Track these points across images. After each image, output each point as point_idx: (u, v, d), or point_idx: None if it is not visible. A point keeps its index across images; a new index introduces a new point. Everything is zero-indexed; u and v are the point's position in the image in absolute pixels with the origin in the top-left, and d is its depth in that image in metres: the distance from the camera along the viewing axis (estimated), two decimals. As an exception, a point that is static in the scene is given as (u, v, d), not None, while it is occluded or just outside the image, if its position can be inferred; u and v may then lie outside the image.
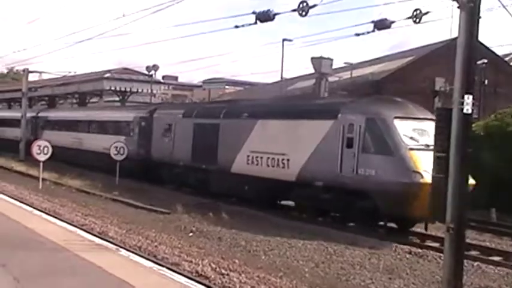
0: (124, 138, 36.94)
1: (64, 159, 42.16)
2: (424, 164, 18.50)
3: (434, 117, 20.59)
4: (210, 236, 19.07)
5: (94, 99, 70.25)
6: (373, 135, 20.78)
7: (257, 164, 25.52)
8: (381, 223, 21.00)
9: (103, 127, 42.45)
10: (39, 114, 56.05)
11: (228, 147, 27.64)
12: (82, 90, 64.54)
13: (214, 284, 12.55)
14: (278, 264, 15.52)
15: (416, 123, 20.86)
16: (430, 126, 19.86)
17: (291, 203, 25.67)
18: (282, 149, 24.21)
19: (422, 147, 19.75)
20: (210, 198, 27.96)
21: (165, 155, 32.79)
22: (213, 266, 14.15)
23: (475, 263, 16.19)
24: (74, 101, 70.53)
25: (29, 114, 55.31)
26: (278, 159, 24.29)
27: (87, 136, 44.50)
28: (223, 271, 13.70)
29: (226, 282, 12.80)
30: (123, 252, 14.58)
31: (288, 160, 23.82)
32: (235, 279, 13.04)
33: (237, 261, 15.08)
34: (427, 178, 17.56)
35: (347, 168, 20.99)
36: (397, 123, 20.54)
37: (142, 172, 34.71)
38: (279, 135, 24.67)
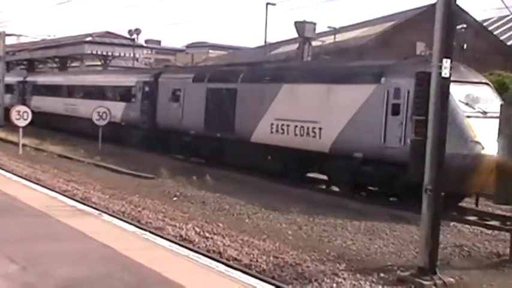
0: (125, 105, 35.62)
1: (55, 127, 41.73)
2: (484, 133, 17.25)
3: (488, 82, 19.63)
4: (194, 200, 19.21)
5: (75, 64, 69.64)
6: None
7: (282, 133, 23.35)
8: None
9: (101, 92, 40.06)
10: (28, 79, 54.06)
11: (247, 115, 25.43)
12: (62, 54, 64.07)
13: (199, 247, 12.75)
14: (262, 227, 15.75)
15: (471, 87, 18.94)
16: (485, 92, 19.15)
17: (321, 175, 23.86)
18: (312, 116, 22.02)
19: (480, 114, 18.25)
20: (196, 162, 28.16)
21: (173, 123, 30.44)
22: (197, 229, 14.40)
23: (451, 223, 16.54)
24: (54, 65, 69.84)
25: (15, 79, 54.27)
26: (308, 128, 22.12)
27: (82, 102, 41.86)
28: (207, 235, 13.97)
29: (210, 245, 13.06)
30: (105, 217, 14.67)
31: (320, 129, 21.70)
32: (219, 242, 13.31)
33: (221, 224, 15.34)
34: (488, 149, 16.93)
35: (392, 138, 19.03)
36: (451, 87, 18.68)
37: (146, 140, 33.01)
38: (309, 101, 22.38)
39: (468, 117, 18.16)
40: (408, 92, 18.36)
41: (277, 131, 23.60)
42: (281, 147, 23.37)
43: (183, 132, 29.54)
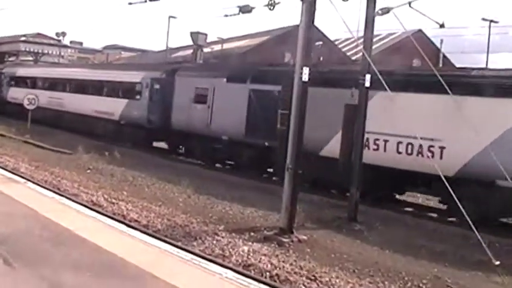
0: (126, 102, 27.42)
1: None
2: None
3: None
4: (104, 172, 18.63)
5: (11, 59, 66.23)
6: None
7: (376, 149, 15.97)
8: None
9: (98, 88, 30.38)
10: (4, 71, 42.29)
11: (316, 125, 15.69)
12: (0, 50, 60.94)
13: (106, 210, 12.43)
14: (158, 195, 15.43)
15: None
16: None
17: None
18: (429, 132, 14.56)
19: None
20: (106, 141, 27.22)
21: (196, 126, 22.67)
22: (106, 196, 14.03)
23: (306, 194, 16.45)
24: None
25: None
26: (421, 146, 14.58)
27: (72, 96, 32.48)
28: (113, 201, 13.63)
29: (116, 209, 12.76)
30: (30, 185, 13.98)
31: (442, 148, 14.60)
32: (123, 207, 13.02)
33: (125, 193, 14.96)
34: None
35: None
36: None
37: (149, 140, 26.62)
38: (424, 114, 14.92)
39: None
40: None
41: (366, 146, 15.44)
42: (370, 165, 15.27)
43: (211, 137, 21.95)
